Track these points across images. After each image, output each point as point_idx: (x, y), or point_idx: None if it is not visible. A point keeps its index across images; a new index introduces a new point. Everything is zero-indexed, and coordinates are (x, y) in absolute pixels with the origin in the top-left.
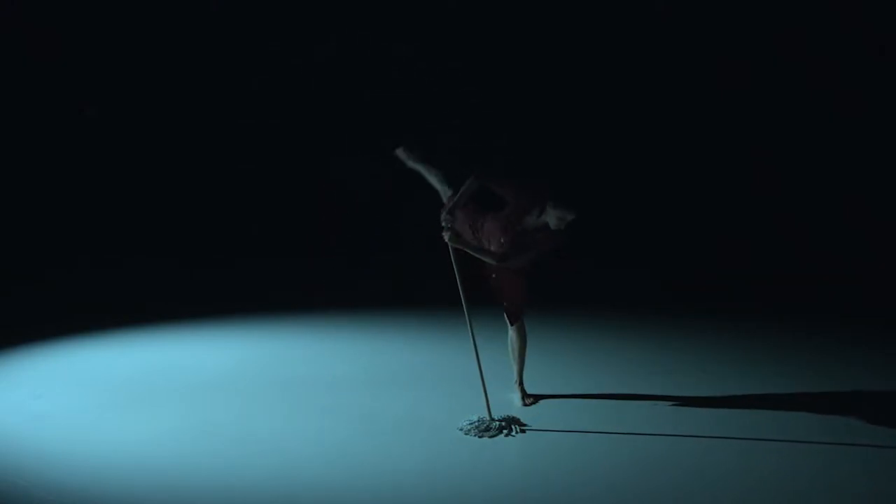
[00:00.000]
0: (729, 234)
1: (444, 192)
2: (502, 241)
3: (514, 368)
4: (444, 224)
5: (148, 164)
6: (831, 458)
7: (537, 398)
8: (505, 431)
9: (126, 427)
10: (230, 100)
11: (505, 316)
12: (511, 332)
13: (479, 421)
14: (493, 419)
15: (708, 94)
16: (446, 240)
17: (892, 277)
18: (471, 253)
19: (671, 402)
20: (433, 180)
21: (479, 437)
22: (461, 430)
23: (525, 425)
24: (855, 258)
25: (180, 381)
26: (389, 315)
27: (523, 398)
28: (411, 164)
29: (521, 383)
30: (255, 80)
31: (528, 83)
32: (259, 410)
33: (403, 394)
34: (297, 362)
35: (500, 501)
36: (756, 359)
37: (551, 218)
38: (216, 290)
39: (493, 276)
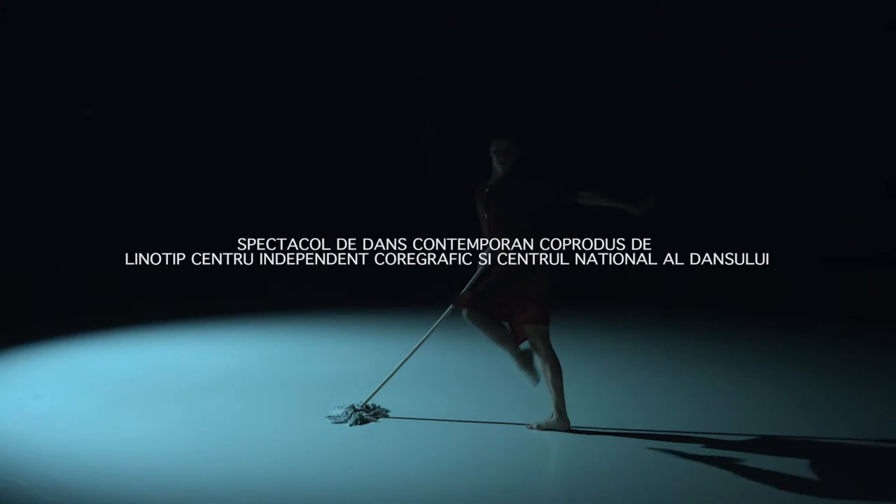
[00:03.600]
0: (727, 233)
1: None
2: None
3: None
4: None
5: (148, 164)
6: (829, 458)
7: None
8: (361, 416)
9: (126, 427)
10: (230, 100)
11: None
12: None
13: (348, 408)
14: (359, 407)
15: (708, 96)
16: None
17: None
18: None
19: (667, 402)
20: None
21: (346, 423)
22: (330, 418)
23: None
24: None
25: (180, 381)
26: (389, 315)
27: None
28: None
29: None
30: (254, 81)
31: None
32: (259, 410)
33: (403, 394)
34: (297, 362)
35: (500, 501)
36: (753, 359)
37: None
38: (216, 290)
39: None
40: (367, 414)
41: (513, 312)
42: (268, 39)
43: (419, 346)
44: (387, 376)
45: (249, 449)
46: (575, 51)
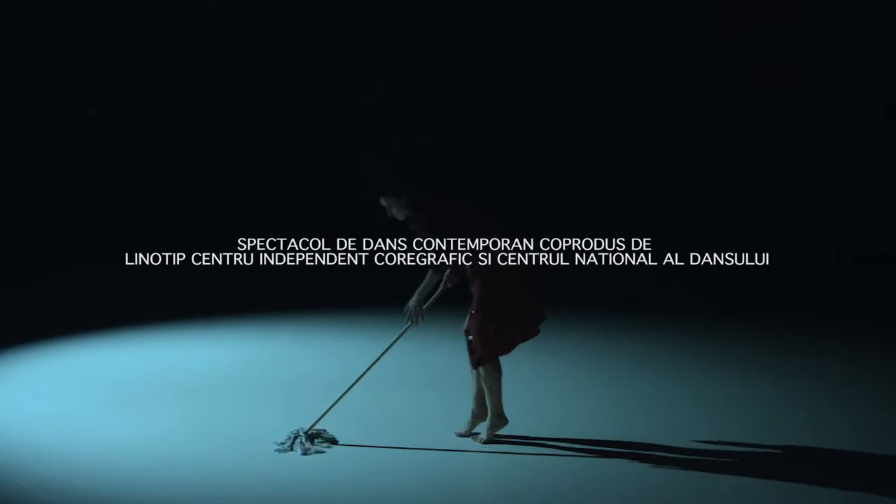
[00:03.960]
0: (726, 233)
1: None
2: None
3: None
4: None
5: (148, 164)
6: (829, 458)
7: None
8: (302, 445)
9: (125, 427)
10: (230, 100)
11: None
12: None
13: (293, 434)
14: (307, 432)
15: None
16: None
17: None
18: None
19: (667, 402)
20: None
21: (299, 451)
22: (280, 444)
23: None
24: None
25: (180, 381)
26: (389, 315)
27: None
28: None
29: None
30: (252, 81)
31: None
32: (258, 410)
33: (403, 394)
34: (296, 362)
35: (499, 501)
36: (753, 359)
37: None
38: (216, 290)
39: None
40: (308, 443)
41: (534, 324)
42: (268, 40)
43: (368, 369)
44: (333, 401)
45: (249, 449)
46: (574, 51)
